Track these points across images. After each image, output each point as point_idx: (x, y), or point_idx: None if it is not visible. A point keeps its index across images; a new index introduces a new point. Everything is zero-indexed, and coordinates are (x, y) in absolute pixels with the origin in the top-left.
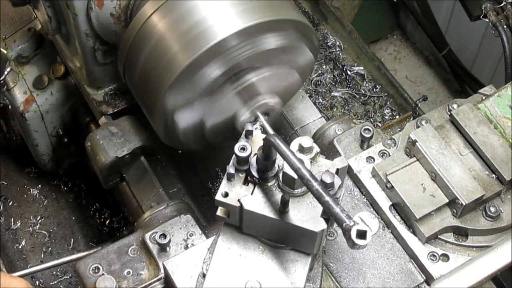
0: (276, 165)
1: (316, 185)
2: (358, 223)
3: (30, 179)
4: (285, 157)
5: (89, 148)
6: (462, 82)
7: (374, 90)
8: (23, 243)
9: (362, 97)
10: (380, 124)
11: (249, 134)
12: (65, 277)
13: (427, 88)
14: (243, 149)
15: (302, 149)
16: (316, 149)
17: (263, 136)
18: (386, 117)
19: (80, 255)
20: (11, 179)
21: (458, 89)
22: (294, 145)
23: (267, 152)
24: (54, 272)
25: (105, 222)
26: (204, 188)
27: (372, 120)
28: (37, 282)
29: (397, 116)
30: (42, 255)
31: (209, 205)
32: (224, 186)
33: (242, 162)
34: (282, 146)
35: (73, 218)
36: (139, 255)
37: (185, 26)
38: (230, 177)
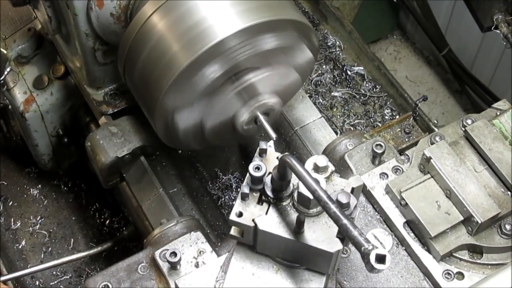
0: (291, 185)
1: (333, 207)
2: (377, 247)
3: (30, 179)
4: (301, 178)
5: (89, 148)
6: (462, 82)
7: (374, 90)
8: (23, 243)
9: (362, 97)
10: (380, 124)
11: (263, 152)
12: (65, 277)
13: (427, 88)
14: (257, 168)
15: (317, 168)
16: (331, 168)
17: (277, 154)
18: (386, 117)
19: (80, 255)
20: (11, 179)
21: (458, 89)
22: (309, 164)
23: (283, 172)
24: (54, 272)
25: (105, 222)
26: (204, 188)
27: (372, 120)
28: (37, 282)
29: (397, 116)
30: (42, 255)
31: (208, 205)
32: (238, 206)
33: (257, 181)
34: (298, 167)
35: (73, 218)
36: (149, 272)
37: (185, 26)
38: (244, 197)
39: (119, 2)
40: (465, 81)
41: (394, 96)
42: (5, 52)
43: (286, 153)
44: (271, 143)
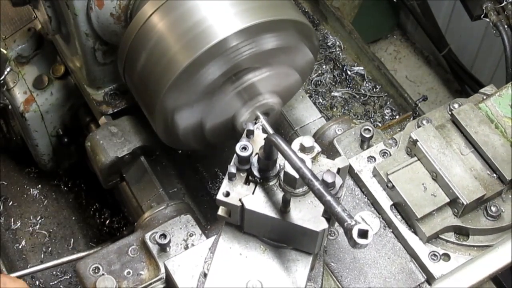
0: (277, 165)
1: (317, 184)
2: (360, 223)
3: (30, 179)
4: (286, 157)
5: (89, 148)
6: (462, 82)
7: (374, 90)
8: (23, 243)
9: (362, 97)
10: (380, 124)
11: (250, 133)
12: (65, 277)
13: (427, 88)
14: (244, 148)
15: (303, 149)
16: (317, 148)
17: (264, 135)
18: (386, 117)
19: (80, 255)
20: (11, 179)
21: (458, 89)
22: (296, 145)
23: (269, 152)
24: (54, 272)
25: (105, 222)
26: (204, 188)
27: (372, 120)
28: (37, 282)
29: (397, 116)
30: (42, 255)
31: (209, 205)
32: (225, 186)
33: (244, 161)
34: (284, 146)
35: (73, 218)
36: (139, 255)
37: (185, 26)
38: (231, 177)
39: (119, 2)
40: (465, 81)
41: (394, 96)
42: (5, 52)
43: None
44: (258, 125)
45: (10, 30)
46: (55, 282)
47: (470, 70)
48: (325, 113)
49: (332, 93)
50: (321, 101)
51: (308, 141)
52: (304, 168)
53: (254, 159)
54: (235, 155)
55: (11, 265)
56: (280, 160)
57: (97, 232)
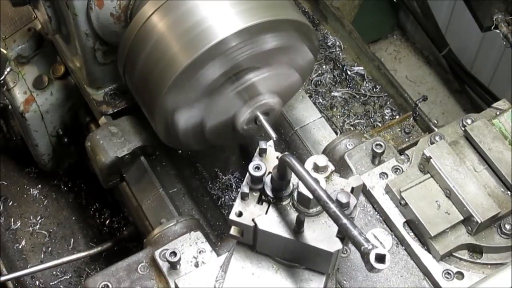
0: (290, 184)
1: (333, 207)
2: (377, 247)
3: (30, 179)
4: (301, 178)
5: (89, 148)
6: (462, 82)
7: (374, 90)
8: (23, 243)
9: (362, 97)
10: (380, 124)
11: (262, 152)
12: (65, 277)
13: (427, 88)
14: (257, 168)
15: (317, 168)
16: (331, 167)
17: (277, 154)
18: (386, 117)
19: (80, 255)
20: (11, 179)
21: (458, 89)
22: (309, 164)
23: (283, 172)
24: (54, 272)
25: (105, 222)
26: (204, 188)
27: (372, 120)
28: (37, 282)
29: (397, 116)
30: (42, 255)
31: (209, 205)
32: (238, 205)
33: (257, 181)
34: (298, 166)
35: (73, 218)
36: (149, 272)
37: (185, 26)
38: (244, 196)
39: (119, 2)
40: (465, 81)
41: (394, 96)
42: (5, 52)
43: (286, 152)
44: (271, 142)
45: (10, 30)
46: (55, 282)
47: (470, 70)
48: (325, 113)
49: (332, 93)
50: (321, 101)
51: (321, 160)
52: (319, 190)
53: (267, 179)
54: (247, 174)
55: (11, 265)
56: (293, 179)
57: (97, 232)
